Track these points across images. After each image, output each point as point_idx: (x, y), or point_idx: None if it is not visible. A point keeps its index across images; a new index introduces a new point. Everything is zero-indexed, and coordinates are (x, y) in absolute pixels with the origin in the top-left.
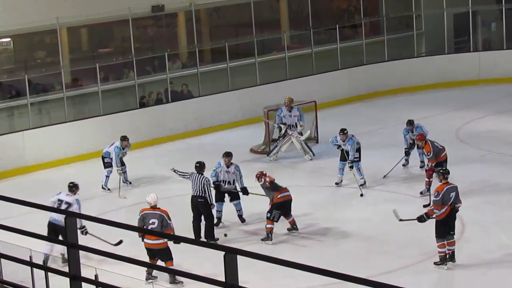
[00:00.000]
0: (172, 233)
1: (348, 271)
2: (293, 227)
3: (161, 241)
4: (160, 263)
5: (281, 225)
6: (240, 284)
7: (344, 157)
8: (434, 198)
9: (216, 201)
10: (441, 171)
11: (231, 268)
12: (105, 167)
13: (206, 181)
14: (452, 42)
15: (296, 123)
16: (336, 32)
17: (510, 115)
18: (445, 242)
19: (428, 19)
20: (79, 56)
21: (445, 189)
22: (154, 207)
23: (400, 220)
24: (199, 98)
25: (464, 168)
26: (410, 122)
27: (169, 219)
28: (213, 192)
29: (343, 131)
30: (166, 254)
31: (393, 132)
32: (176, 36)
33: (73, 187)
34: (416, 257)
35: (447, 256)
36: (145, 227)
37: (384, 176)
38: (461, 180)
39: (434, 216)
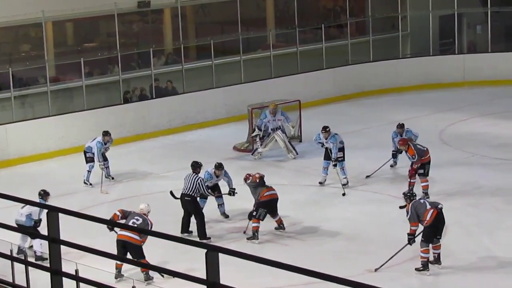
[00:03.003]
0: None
1: (330, 270)
2: (280, 226)
3: (136, 236)
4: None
5: (266, 224)
6: (221, 282)
7: (328, 156)
8: (408, 218)
9: (200, 198)
10: (407, 194)
11: (212, 266)
12: (87, 162)
13: (200, 180)
14: (437, 44)
15: (280, 126)
16: (321, 31)
17: (494, 118)
18: (430, 246)
19: (414, 20)
20: (64, 50)
21: (410, 206)
22: (145, 214)
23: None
24: (184, 94)
25: (447, 170)
26: (400, 126)
27: (150, 229)
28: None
29: (325, 128)
30: (138, 251)
31: (378, 132)
32: (162, 32)
33: (44, 195)
34: (399, 257)
35: (433, 259)
36: (125, 222)
37: (367, 176)
38: (444, 182)
39: (416, 232)
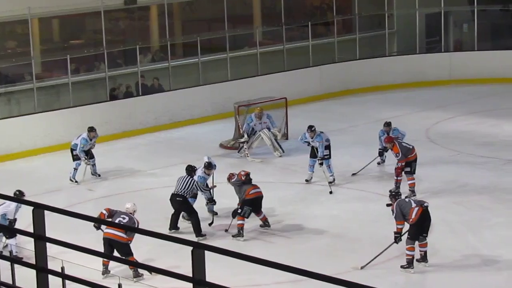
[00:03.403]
0: (131, 240)
1: (315, 268)
2: (265, 223)
3: (122, 234)
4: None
5: (251, 222)
6: (207, 280)
7: (314, 154)
8: (394, 216)
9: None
10: (393, 193)
11: (198, 263)
12: (73, 160)
13: (196, 183)
14: (423, 42)
15: (268, 128)
16: (308, 29)
17: (480, 116)
18: (415, 244)
19: (400, 18)
20: (50, 47)
21: (395, 204)
22: (130, 213)
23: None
24: (170, 92)
25: (433, 168)
26: (387, 124)
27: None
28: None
29: (310, 128)
30: (124, 249)
31: (364, 130)
32: (148, 29)
33: (19, 195)
34: (385, 255)
35: (420, 257)
36: (111, 219)
37: (353, 174)
38: (430, 179)
39: (402, 230)
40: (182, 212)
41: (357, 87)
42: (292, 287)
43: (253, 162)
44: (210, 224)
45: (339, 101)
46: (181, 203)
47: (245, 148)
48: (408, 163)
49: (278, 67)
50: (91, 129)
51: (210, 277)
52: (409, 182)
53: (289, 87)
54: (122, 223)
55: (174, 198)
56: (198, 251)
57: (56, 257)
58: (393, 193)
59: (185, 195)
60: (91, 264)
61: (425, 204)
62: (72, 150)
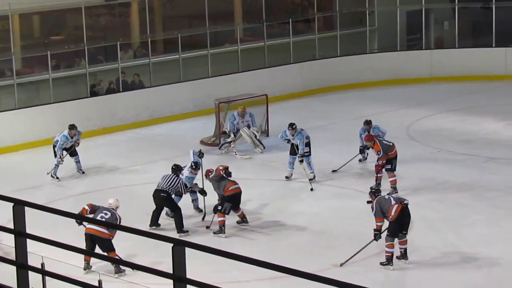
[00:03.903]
0: (113, 236)
1: (296, 265)
2: (243, 219)
3: (104, 230)
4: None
5: (233, 218)
6: (187, 276)
7: (294, 151)
8: (373, 214)
9: (175, 195)
10: (372, 190)
11: (179, 260)
12: (55, 156)
13: (181, 182)
14: (404, 39)
15: (249, 125)
16: (289, 26)
17: (460, 114)
18: (395, 242)
19: (381, 15)
20: (30, 43)
21: (375, 202)
22: (113, 208)
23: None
24: (151, 88)
25: (413, 166)
26: (367, 122)
27: (119, 224)
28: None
29: (291, 126)
30: (106, 245)
31: (344, 127)
32: (129, 25)
33: None
34: (365, 252)
35: (399, 255)
36: (93, 216)
37: (333, 170)
38: (410, 177)
39: (381, 228)
40: (166, 210)
41: (338, 84)
42: (272, 284)
43: (234, 158)
44: (203, 219)
45: (320, 98)
46: (165, 199)
47: (233, 147)
48: (388, 161)
49: (259, 64)
50: (72, 127)
51: (190, 274)
52: (390, 179)
53: (270, 84)
54: (104, 218)
55: (157, 194)
56: (179, 248)
57: (36, 253)
58: (373, 190)
59: (169, 191)
60: (71, 261)
61: (405, 202)
62: (54, 147)
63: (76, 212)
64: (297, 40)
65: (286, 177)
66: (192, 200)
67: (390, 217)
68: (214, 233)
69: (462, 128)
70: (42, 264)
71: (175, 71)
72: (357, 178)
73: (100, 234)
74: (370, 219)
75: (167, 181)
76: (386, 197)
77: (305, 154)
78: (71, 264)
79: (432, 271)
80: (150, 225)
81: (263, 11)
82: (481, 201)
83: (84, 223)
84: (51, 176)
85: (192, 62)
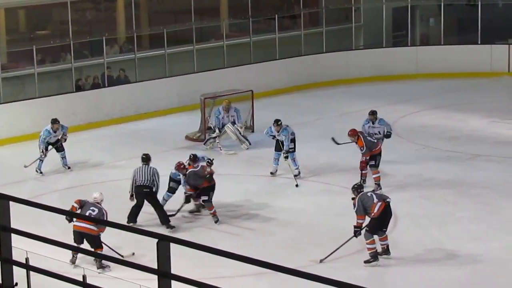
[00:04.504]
0: (102, 231)
1: (280, 261)
2: (199, 209)
3: (93, 227)
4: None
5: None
6: (172, 272)
7: (279, 147)
8: (355, 210)
9: (167, 191)
10: (355, 186)
11: (164, 255)
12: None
13: (156, 172)
14: (390, 36)
15: (234, 121)
16: (275, 22)
17: (446, 110)
18: (375, 238)
19: (367, 12)
20: (16, 38)
21: (357, 199)
22: (98, 203)
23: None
24: (136, 83)
25: (398, 162)
26: (372, 113)
27: (106, 219)
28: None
29: (277, 122)
30: (95, 241)
31: (330, 123)
32: (115, 20)
33: None
34: (347, 248)
35: (381, 250)
36: (81, 212)
37: (336, 142)
38: (395, 173)
39: (362, 225)
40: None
41: (323, 80)
42: (256, 280)
43: (219, 154)
44: (192, 212)
45: (306, 94)
46: (148, 194)
47: (218, 143)
48: (372, 157)
49: (244, 59)
50: (54, 121)
51: (173, 269)
52: (374, 176)
53: (256, 80)
54: (92, 215)
55: (140, 190)
56: (163, 243)
57: (20, 248)
58: (356, 186)
59: (152, 186)
60: (56, 256)
61: (388, 200)
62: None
63: (62, 207)
64: (283, 36)
65: (271, 173)
66: (163, 198)
67: (373, 214)
68: (215, 222)
69: (447, 125)
70: (27, 259)
71: (160, 67)
72: (342, 174)
73: (89, 232)
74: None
75: (145, 175)
76: (369, 194)
77: (290, 150)
78: (56, 259)
79: (417, 268)
80: (128, 222)
81: (249, 7)
82: (466, 198)
83: (74, 220)
84: (36, 170)
85: (178, 57)
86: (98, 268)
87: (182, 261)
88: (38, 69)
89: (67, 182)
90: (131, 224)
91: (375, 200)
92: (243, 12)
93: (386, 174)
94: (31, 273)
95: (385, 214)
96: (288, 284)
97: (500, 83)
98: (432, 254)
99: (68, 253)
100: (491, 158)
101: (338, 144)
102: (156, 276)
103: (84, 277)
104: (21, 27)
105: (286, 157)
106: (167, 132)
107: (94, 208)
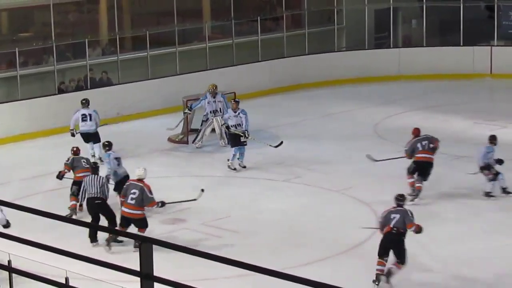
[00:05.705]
0: (155, 205)
1: (263, 262)
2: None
3: (139, 212)
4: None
5: (198, 216)
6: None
7: (235, 141)
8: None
9: None
10: (397, 196)
11: (146, 257)
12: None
13: (105, 181)
14: (372, 38)
15: (221, 108)
16: (257, 23)
17: (428, 112)
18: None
19: (349, 14)
20: None
21: (387, 211)
22: (139, 180)
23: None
24: (119, 85)
25: (381, 163)
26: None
27: (150, 193)
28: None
29: (235, 99)
30: (141, 223)
31: (313, 125)
32: (97, 22)
33: None
34: (333, 249)
35: (384, 274)
36: (126, 195)
37: (374, 159)
38: (378, 174)
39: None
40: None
41: (306, 82)
42: (239, 282)
43: (201, 156)
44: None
45: (288, 95)
46: (101, 206)
47: (200, 137)
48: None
49: (227, 61)
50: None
51: (155, 271)
52: (417, 185)
53: (238, 82)
54: (133, 199)
55: (92, 202)
56: (146, 245)
57: (3, 250)
58: (397, 196)
59: (103, 197)
60: (39, 258)
61: (394, 229)
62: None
63: (46, 210)
64: (265, 38)
65: (234, 169)
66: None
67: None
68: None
69: (430, 126)
70: (9, 262)
71: (143, 68)
72: (327, 176)
73: (135, 216)
74: (339, 217)
75: (96, 186)
76: (392, 216)
77: (244, 143)
78: (39, 262)
79: (399, 270)
80: (91, 241)
81: (231, 8)
82: (449, 199)
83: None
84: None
85: (160, 59)
86: (110, 242)
87: (161, 262)
88: (20, 72)
89: (50, 184)
90: (94, 244)
91: (391, 223)
92: (225, 14)
93: (368, 175)
94: (14, 275)
95: (385, 240)
96: (273, 286)
97: (482, 85)
98: (415, 256)
99: (51, 255)
100: (474, 159)
101: (375, 161)
102: (139, 278)
103: (66, 279)
104: (3, 29)
105: (247, 137)
106: (149, 134)
107: (135, 191)
